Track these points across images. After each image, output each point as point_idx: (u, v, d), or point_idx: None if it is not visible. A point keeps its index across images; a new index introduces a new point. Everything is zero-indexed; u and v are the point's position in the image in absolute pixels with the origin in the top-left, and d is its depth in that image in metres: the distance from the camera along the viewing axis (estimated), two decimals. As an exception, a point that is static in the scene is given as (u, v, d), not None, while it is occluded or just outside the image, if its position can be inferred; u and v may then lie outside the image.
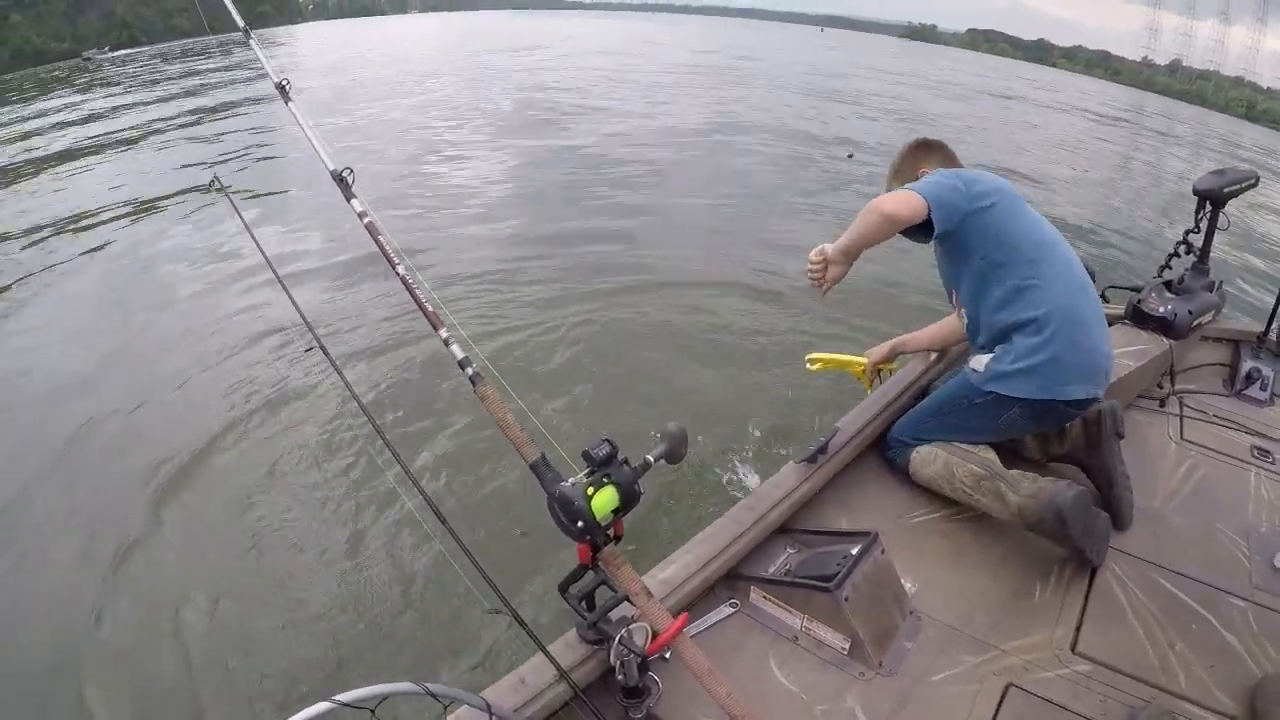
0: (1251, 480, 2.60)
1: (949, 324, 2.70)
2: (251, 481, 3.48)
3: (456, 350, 1.44)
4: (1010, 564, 2.10)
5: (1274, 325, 3.32)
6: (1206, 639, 1.91)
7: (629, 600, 1.51)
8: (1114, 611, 1.98)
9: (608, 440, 1.31)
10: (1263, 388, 3.18)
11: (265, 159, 10.68)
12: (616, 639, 1.40)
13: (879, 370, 2.81)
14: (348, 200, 1.66)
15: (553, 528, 1.33)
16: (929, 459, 2.26)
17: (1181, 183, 14.00)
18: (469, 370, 1.42)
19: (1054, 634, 1.89)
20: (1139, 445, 2.63)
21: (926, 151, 2.46)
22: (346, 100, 14.24)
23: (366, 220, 1.62)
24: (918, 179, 2.26)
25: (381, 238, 1.58)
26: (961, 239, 2.16)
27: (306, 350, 2.17)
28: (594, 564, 1.40)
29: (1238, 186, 2.82)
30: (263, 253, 2.19)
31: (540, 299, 5.65)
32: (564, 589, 1.48)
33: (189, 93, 17.61)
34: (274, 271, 2.27)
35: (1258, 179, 2.86)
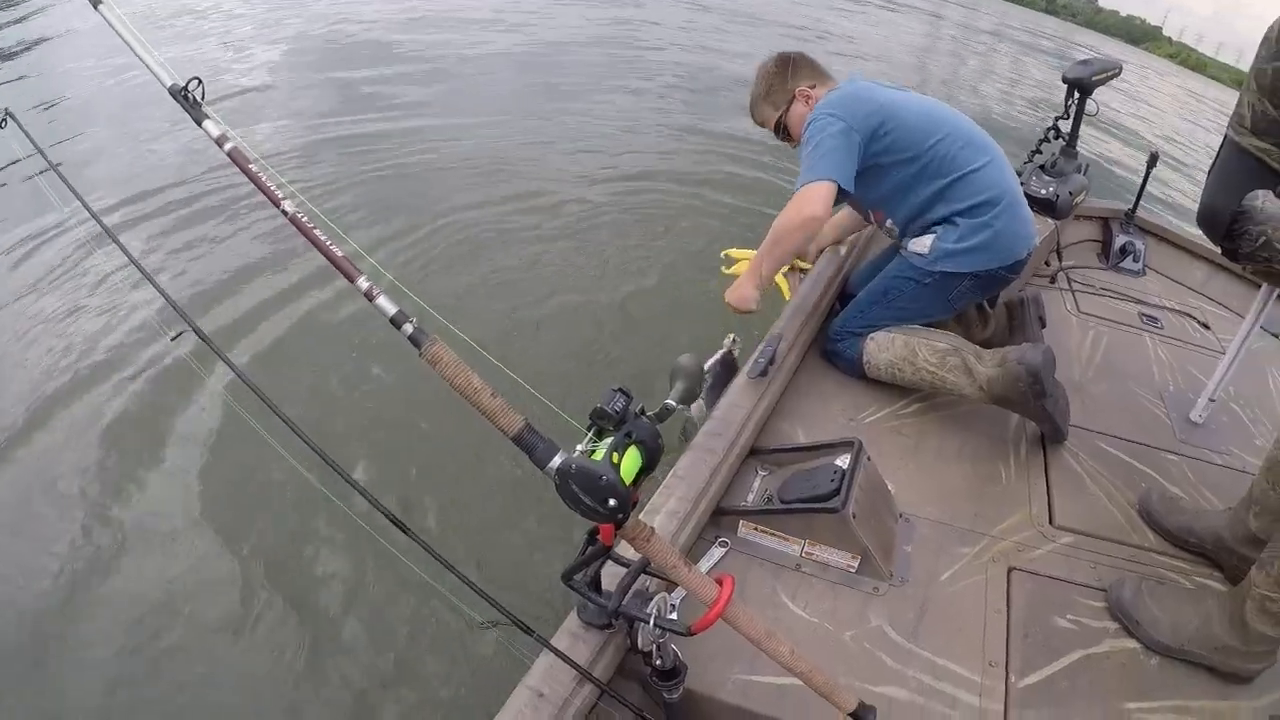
0: (1148, 344, 2.80)
1: (845, 212, 2.64)
2: (146, 521, 2.54)
3: (386, 304, 1.03)
4: (970, 451, 2.09)
5: (1140, 202, 3.54)
6: None
7: (649, 573, 1.28)
8: (1075, 481, 2.04)
9: (621, 390, 1.03)
10: (1135, 259, 3.44)
11: (83, 84, 7.07)
12: (651, 620, 1.16)
13: (798, 269, 2.61)
14: (198, 123, 1.11)
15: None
16: (886, 344, 2.17)
17: (983, 74, 14.62)
18: (408, 328, 1.02)
19: (1031, 511, 1.91)
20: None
21: (795, 68, 2.30)
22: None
23: (228, 147, 1.11)
24: (794, 99, 2.27)
25: (253, 167, 1.10)
26: (869, 173, 2.10)
27: (174, 338, 1.52)
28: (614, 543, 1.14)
29: (1104, 75, 2.87)
30: (89, 210, 1.58)
31: (463, 216, 4.67)
32: (568, 577, 1.22)
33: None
34: (112, 237, 1.61)
35: (1120, 68, 2.93)
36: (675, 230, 4.86)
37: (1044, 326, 2.39)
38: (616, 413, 1.00)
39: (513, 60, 8.80)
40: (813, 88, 2.27)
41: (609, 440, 1.00)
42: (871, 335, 2.19)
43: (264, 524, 2.53)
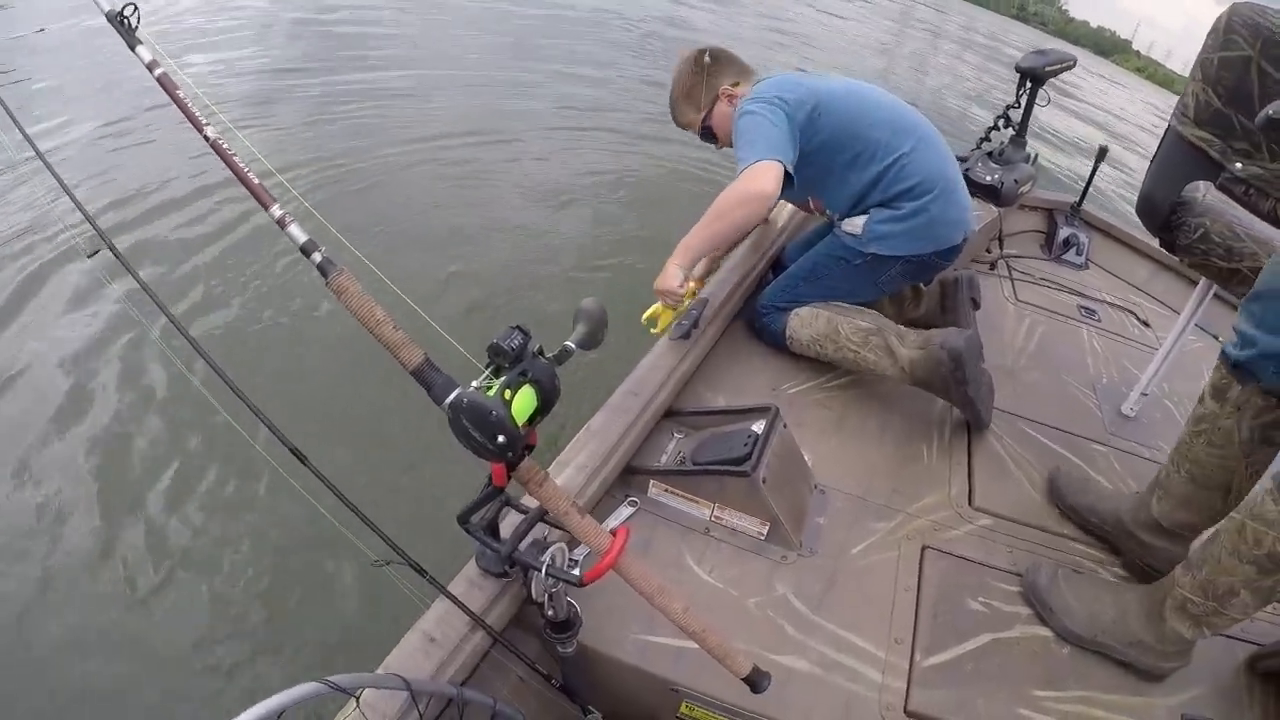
0: (1084, 336, 2.86)
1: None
2: (33, 432, 2.52)
3: (296, 232, 1.05)
4: (892, 430, 2.12)
5: (1087, 196, 3.63)
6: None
7: (546, 521, 1.27)
8: (997, 465, 2.08)
9: (519, 328, 1.02)
10: (1078, 253, 3.52)
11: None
12: (544, 569, 1.16)
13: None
14: (131, 48, 1.15)
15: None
16: (809, 319, 2.18)
17: (951, 75, 14.71)
18: (316, 256, 1.03)
19: (950, 492, 1.95)
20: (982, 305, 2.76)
21: (717, 66, 2.21)
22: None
23: (158, 72, 1.13)
24: (717, 99, 2.20)
25: (180, 93, 1.12)
26: (804, 161, 2.01)
27: (90, 255, 1.51)
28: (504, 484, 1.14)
29: (1058, 66, 2.91)
30: (13, 118, 1.53)
31: (379, 149, 4.73)
32: (464, 520, 1.21)
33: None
34: (33, 147, 1.59)
35: (1075, 61, 2.98)
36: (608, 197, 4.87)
37: (977, 308, 2.42)
38: (513, 350, 1.00)
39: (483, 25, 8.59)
40: (736, 85, 2.21)
41: (504, 377, 0.99)
42: (796, 311, 2.20)
43: (160, 445, 2.51)
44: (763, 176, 1.85)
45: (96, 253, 1.44)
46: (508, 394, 0.98)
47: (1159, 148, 2.03)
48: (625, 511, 1.66)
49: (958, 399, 2.03)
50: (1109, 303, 3.17)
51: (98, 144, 4.30)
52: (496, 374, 1.02)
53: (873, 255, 2.13)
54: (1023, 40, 31.33)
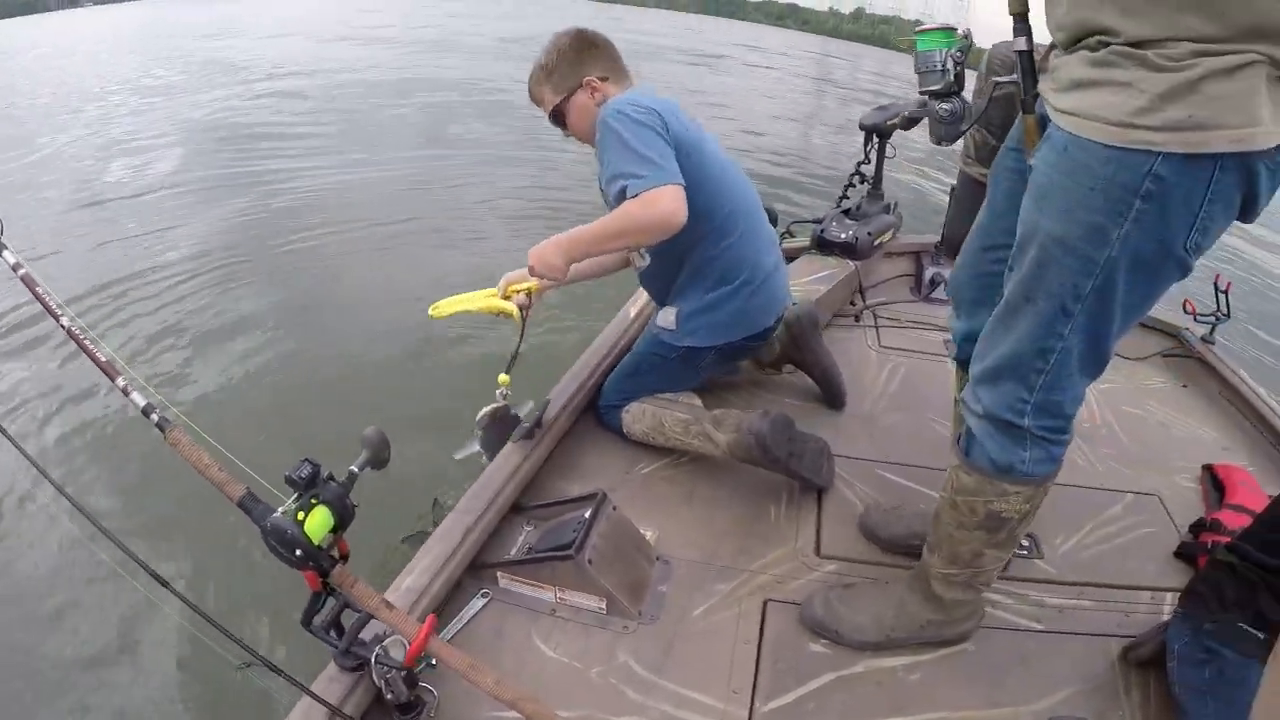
0: (950, 368, 2.99)
1: None
2: None
3: (137, 398, 1.38)
4: (740, 495, 2.31)
5: (947, 234, 3.77)
6: None
7: (374, 617, 1.51)
8: (848, 511, 2.25)
9: (308, 460, 1.32)
10: (946, 288, 3.60)
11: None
12: (373, 659, 1.41)
13: (525, 293, 2.31)
14: None
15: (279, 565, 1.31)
16: (638, 415, 2.41)
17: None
18: (154, 416, 1.37)
19: (796, 545, 2.13)
20: (841, 359, 2.88)
21: (592, 51, 2.19)
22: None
23: (21, 272, 1.51)
24: (579, 87, 2.17)
25: (40, 289, 1.46)
26: None
27: None
28: (327, 589, 1.40)
29: (899, 118, 3.08)
30: None
31: (215, 324, 5.13)
32: (307, 622, 1.48)
33: None
34: None
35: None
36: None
37: (818, 328, 2.61)
38: (302, 479, 1.30)
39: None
40: (604, 80, 2.17)
41: (297, 503, 1.28)
42: (627, 407, 2.43)
43: (18, 573, 2.89)
44: (675, 205, 1.86)
45: None
46: (300, 515, 1.28)
47: (952, 192, 2.29)
48: (478, 603, 1.90)
49: (782, 472, 2.21)
50: None
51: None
52: (296, 500, 1.30)
53: (686, 349, 2.34)
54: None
